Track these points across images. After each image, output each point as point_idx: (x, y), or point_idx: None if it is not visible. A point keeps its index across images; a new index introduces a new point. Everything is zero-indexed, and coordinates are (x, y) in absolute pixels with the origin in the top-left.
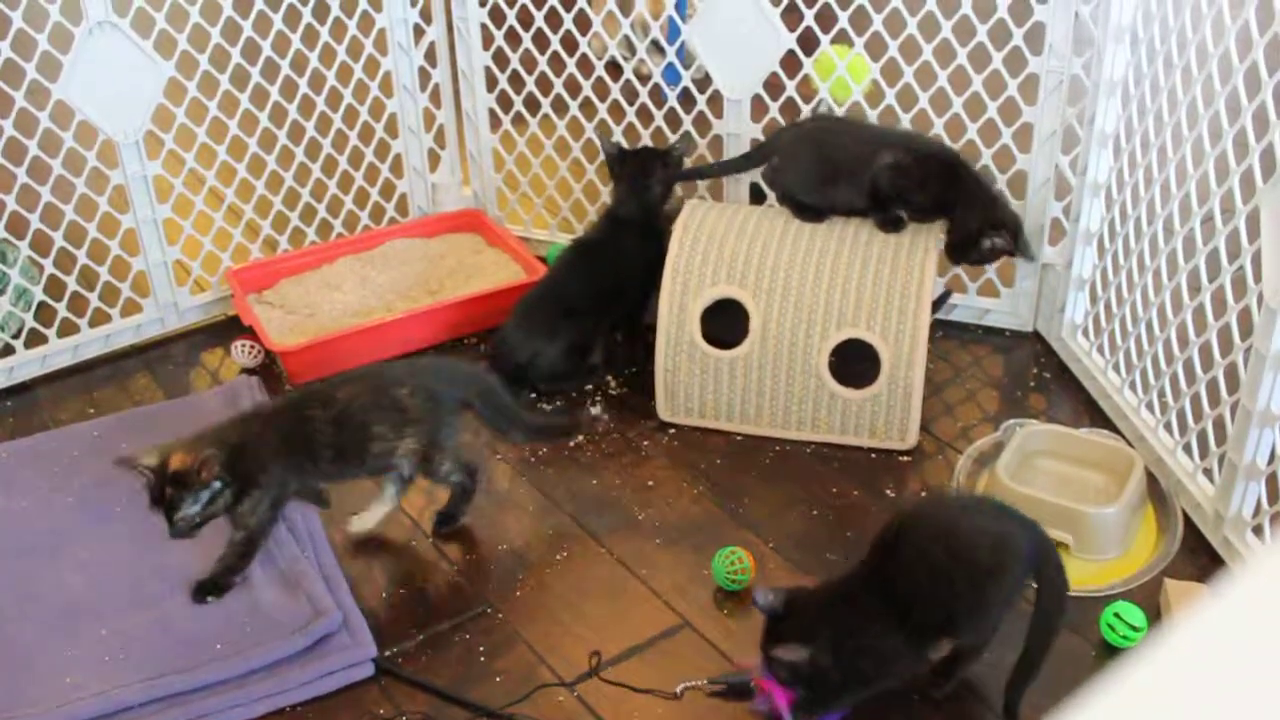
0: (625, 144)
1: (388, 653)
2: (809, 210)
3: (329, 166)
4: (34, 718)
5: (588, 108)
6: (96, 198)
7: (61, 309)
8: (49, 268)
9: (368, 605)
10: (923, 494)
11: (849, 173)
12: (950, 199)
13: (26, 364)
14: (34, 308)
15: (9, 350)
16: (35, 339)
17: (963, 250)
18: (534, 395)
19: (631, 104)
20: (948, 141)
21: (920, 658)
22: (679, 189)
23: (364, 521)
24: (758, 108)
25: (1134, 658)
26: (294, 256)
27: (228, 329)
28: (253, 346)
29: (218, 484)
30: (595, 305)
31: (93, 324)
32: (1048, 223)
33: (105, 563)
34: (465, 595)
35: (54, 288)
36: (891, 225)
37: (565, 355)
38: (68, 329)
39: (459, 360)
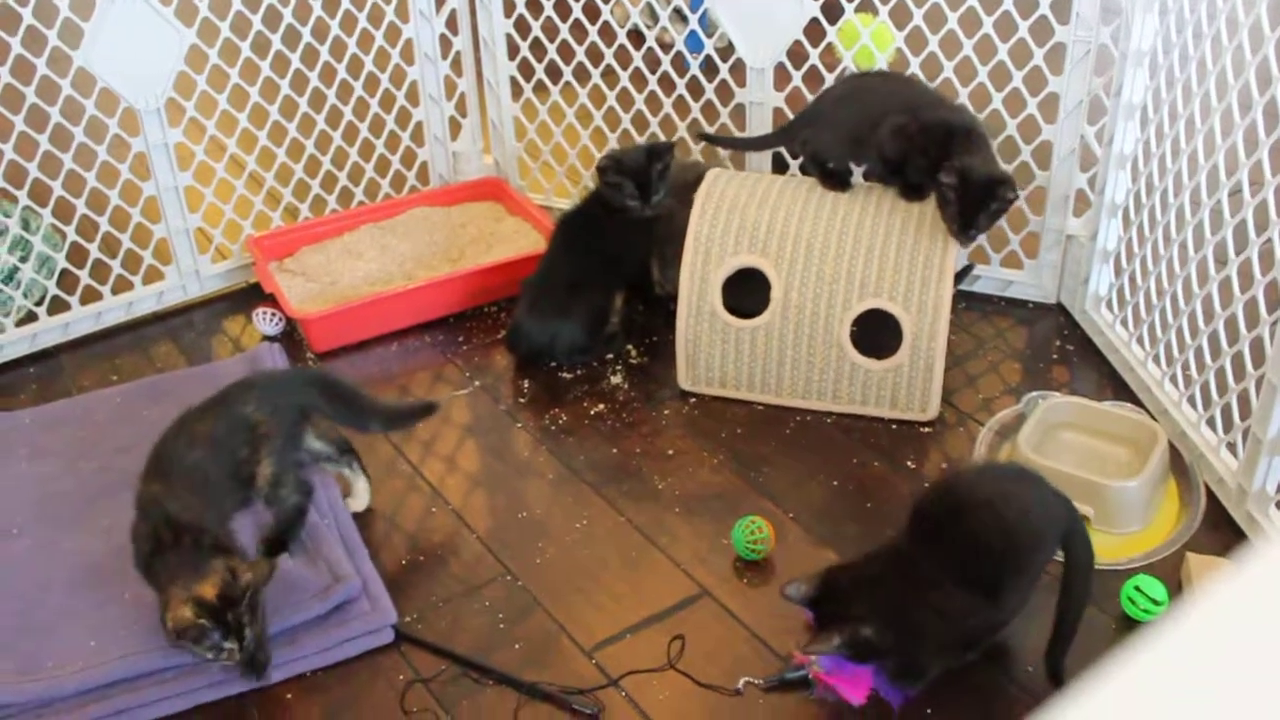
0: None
1: (407, 619)
2: (835, 178)
3: (350, 134)
4: (58, 681)
5: (610, 76)
6: (118, 165)
7: (84, 276)
8: (71, 235)
9: (387, 572)
10: (944, 465)
11: (871, 134)
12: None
13: (49, 331)
14: (56, 275)
15: (32, 317)
16: (58, 306)
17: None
18: (554, 365)
19: (654, 72)
20: (971, 111)
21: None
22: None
23: (356, 502)
24: (781, 76)
25: (1154, 630)
26: (315, 224)
27: (249, 296)
28: (274, 314)
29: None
30: (598, 275)
31: (115, 291)
32: (1073, 194)
33: (127, 528)
34: (485, 563)
35: (76, 255)
36: (913, 193)
37: (582, 330)
38: (90, 296)
39: (291, 368)
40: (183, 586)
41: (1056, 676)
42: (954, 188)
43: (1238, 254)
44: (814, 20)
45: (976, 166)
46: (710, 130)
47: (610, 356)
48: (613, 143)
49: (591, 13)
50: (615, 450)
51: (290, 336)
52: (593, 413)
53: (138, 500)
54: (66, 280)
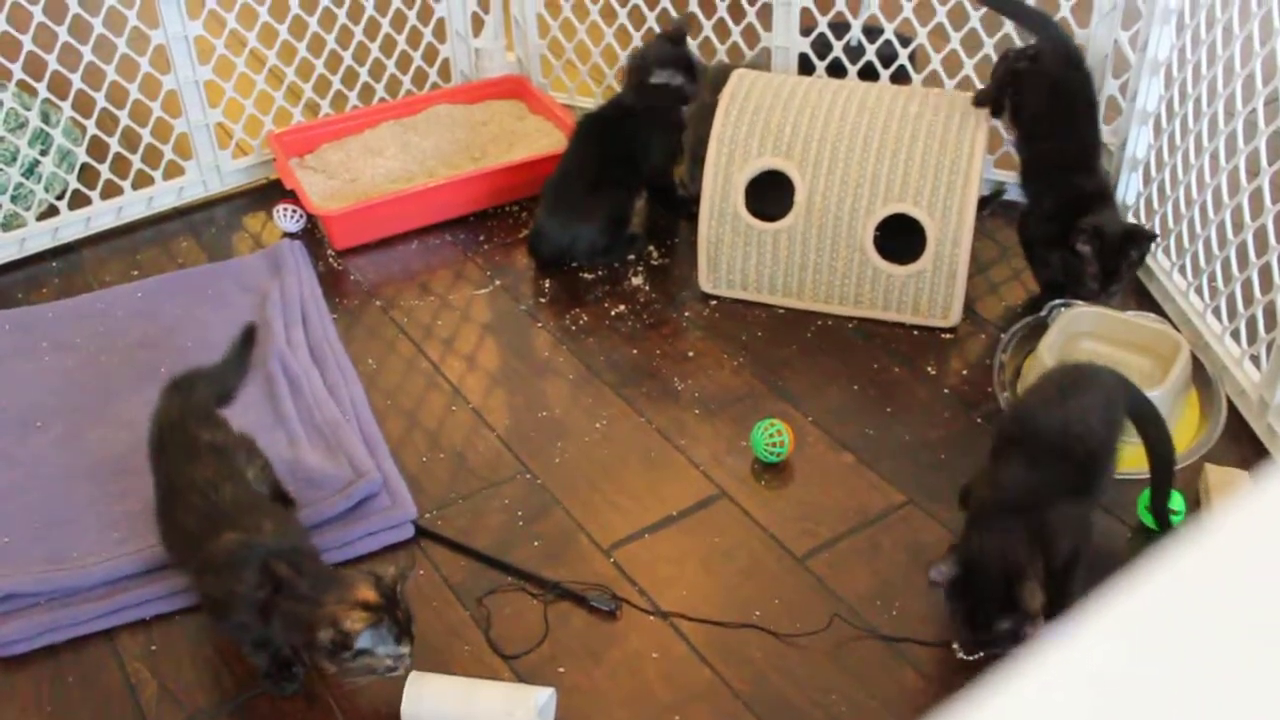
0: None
1: (427, 515)
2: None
3: (371, 29)
4: (83, 571)
5: None
6: (137, 58)
7: (104, 170)
8: (91, 129)
9: (407, 469)
10: (964, 372)
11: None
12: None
13: (71, 225)
14: (77, 169)
15: (53, 211)
16: (79, 200)
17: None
18: (575, 265)
19: None
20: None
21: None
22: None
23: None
24: None
25: (1177, 544)
26: (336, 121)
27: (270, 193)
28: (295, 211)
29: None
30: (618, 176)
31: (135, 186)
32: (1104, 101)
33: (148, 422)
34: (504, 461)
35: (96, 149)
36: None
37: (603, 230)
38: (111, 191)
39: (166, 392)
40: (337, 599)
41: (1161, 521)
42: (1094, 249)
43: (1270, 164)
44: None
45: (1108, 219)
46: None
47: (631, 258)
48: (637, 41)
49: None
50: (635, 351)
51: (311, 234)
52: (613, 313)
53: (220, 559)
54: (87, 174)
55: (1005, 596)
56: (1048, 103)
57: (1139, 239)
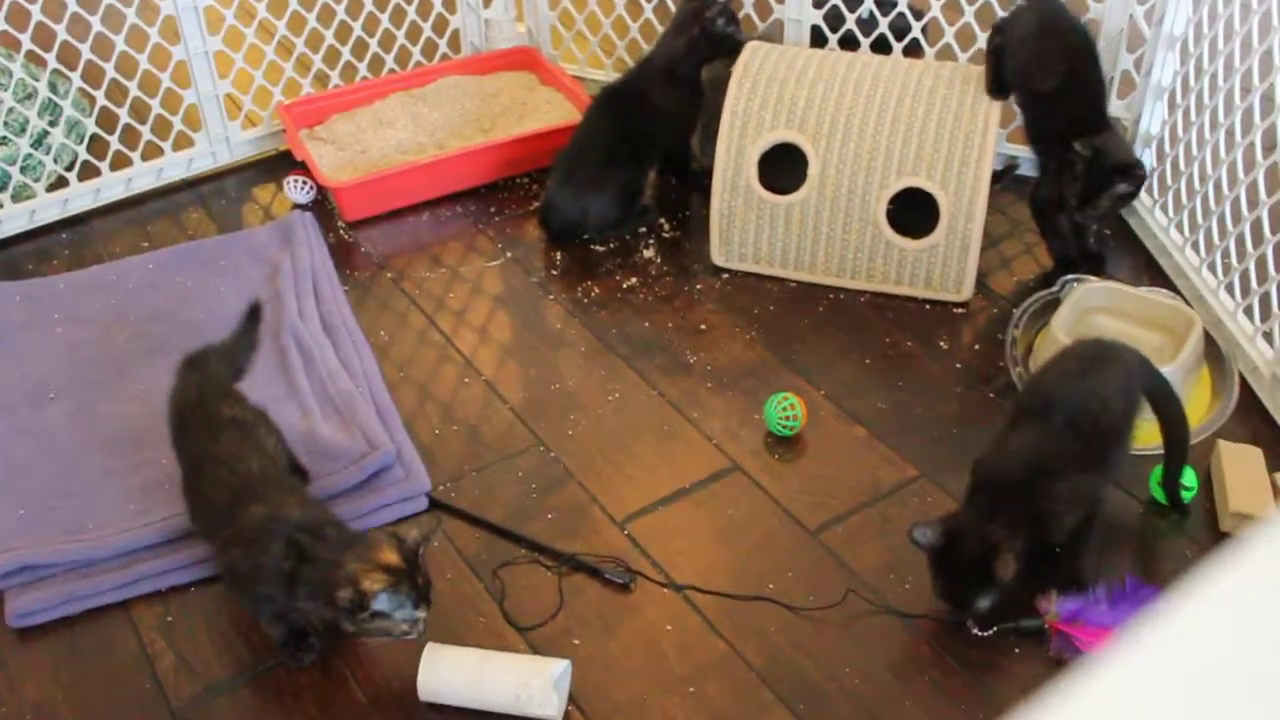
0: None
1: (440, 487)
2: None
3: (381, 0)
4: (99, 542)
5: None
6: (147, 28)
7: (114, 142)
8: (100, 100)
9: (421, 441)
10: (976, 347)
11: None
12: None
13: (80, 196)
14: (86, 140)
15: (63, 182)
16: (89, 171)
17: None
18: (586, 238)
19: None
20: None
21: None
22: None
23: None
24: None
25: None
26: (346, 92)
27: (280, 164)
28: (305, 182)
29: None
30: (631, 150)
31: (145, 157)
32: (1118, 75)
33: (163, 393)
34: (517, 433)
35: (106, 120)
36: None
37: (614, 203)
38: (120, 162)
39: (181, 369)
40: (358, 558)
41: (1174, 501)
42: (1084, 160)
43: None
44: None
45: (1112, 146)
46: None
47: (643, 230)
48: (648, 14)
49: None
50: (647, 324)
51: (321, 205)
52: (625, 286)
53: (249, 531)
54: (96, 146)
55: (983, 575)
56: (1044, 59)
57: (1130, 174)
